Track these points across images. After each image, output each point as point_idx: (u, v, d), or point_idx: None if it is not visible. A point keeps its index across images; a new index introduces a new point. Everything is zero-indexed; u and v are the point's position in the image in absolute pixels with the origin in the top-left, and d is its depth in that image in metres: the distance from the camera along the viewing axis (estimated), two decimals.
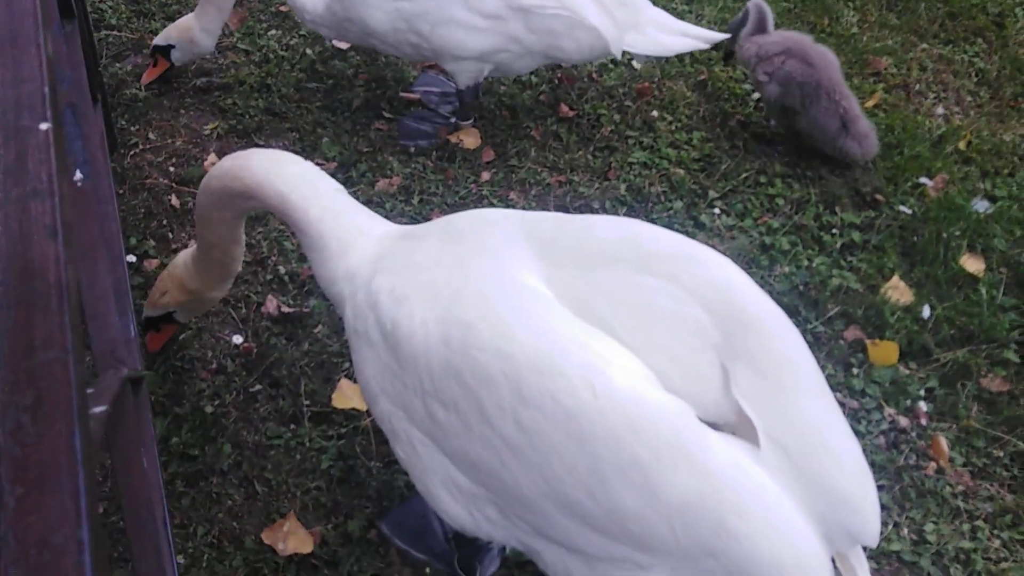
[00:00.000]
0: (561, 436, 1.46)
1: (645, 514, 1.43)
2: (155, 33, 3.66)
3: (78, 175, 1.40)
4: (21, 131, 0.87)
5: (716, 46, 3.28)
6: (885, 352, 2.65)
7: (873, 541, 1.50)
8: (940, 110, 3.55)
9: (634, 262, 1.60)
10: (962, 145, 3.36)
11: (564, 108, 3.47)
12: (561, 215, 1.79)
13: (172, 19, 3.72)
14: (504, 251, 1.68)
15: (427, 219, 2.93)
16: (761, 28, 3.28)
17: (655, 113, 3.47)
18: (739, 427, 1.51)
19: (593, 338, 1.51)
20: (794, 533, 1.43)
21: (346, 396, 2.44)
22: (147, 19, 3.74)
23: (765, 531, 1.41)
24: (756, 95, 3.55)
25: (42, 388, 0.67)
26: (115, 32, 3.65)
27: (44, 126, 0.87)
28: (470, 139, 3.33)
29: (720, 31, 3.18)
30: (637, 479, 1.42)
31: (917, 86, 3.66)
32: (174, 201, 2.99)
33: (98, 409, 1.01)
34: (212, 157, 3.13)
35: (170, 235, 2.90)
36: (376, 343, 1.70)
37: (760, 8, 3.29)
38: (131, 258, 2.78)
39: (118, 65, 3.50)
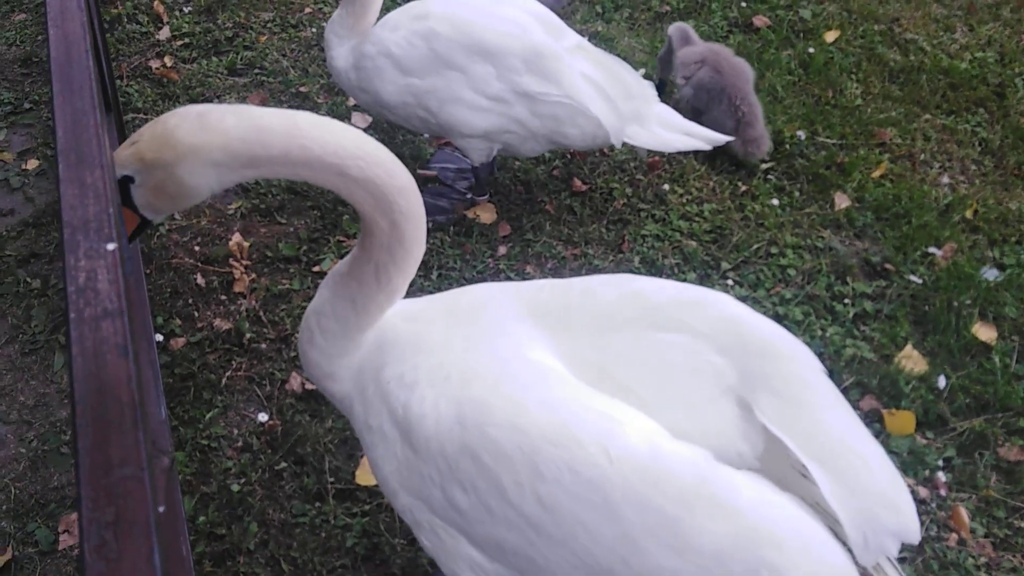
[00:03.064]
0: (583, 507, 1.47)
1: (682, 569, 1.44)
2: None
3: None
4: (90, 252, 0.93)
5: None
6: (902, 422, 2.68)
7: (916, 537, 1.53)
8: (946, 179, 3.62)
9: (640, 319, 1.64)
10: (969, 214, 3.42)
11: (577, 182, 3.56)
12: (559, 282, 1.81)
13: (196, 101, 3.86)
14: (510, 327, 1.70)
15: None
16: (687, 42, 3.69)
17: (666, 186, 3.55)
18: (765, 470, 1.54)
19: (605, 404, 1.52)
20: (831, 555, 1.46)
21: (369, 473, 2.47)
22: (172, 101, 3.87)
23: (803, 559, 1.43)
24: (764, 166, 3.64)
25: (121, 505, 0.72)
26: (141, 115, 3.77)
27: (111, 246, 0.93)
28: (486, 214, 3.41)
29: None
30: (667, 535, 1.43)
31: (922, 156, 3.74)
32: (199, 280, 3.07)
33: (161, 509, 1.06)
34: (236, 236, 3.21)
35: (195, 314, 2.97)
36: (391, 438, 1.69)
37: (680, 29, 3.74)
38: (158, 337, 2.84)
39: None
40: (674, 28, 3.81)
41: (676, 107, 3.41)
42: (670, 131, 3.11)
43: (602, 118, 2.97)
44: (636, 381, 1.59)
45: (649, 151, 3.34)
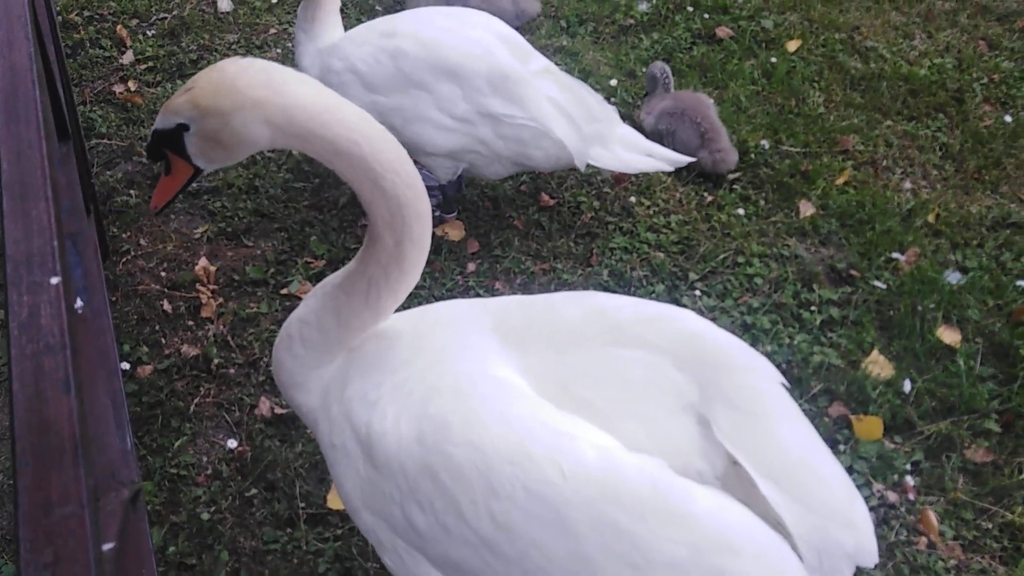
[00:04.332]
0: (536, 525, 1.46)
1: None
2: (145, 140, 3.77)
3: (79, 303, 1.45)
4: (33, 286, 0.92)
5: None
6: (870, 427, 2.70)
7: (872, 559, 1.53)
8: (908, 184, 3.67)
9: (601, 335, 1.65)
10: (931, 218, 3.46)
11: (545, 197, 3.57)
12: (524, 298, 1.82)
13: None
14: (474, 344, 1.71)
15: None
16: (664, 88, 3.89)
17: (633, 199, 3.57)
18: (728, 483, 1.54)
19: (562, 420, 1.52)
20: (787, 563, 1.46)
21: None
22: (136, 126, 3.85)
23: (760, 565, 1.43)
24: (730, 176, 3.67)
25: (60, 545, 0.71)
26: (105, 140, 3.75)
27: (55, 280, 0.93)
28: (455, 231, 3.41)
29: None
30: (623, 549, 1.43)
31: (884, 162, 3.78)
32: (166, 306, 3.05)
33: (107, 547, 1.05)
34: (203, 260, 3.19)
35: (163, 340, 2.95)
36: (354, 455, 1.69)
37: (659, 71, 3.87)
38: (124, 365, 2.82)
39: (109, 173, 3.59)
40: (658, 68, 3.90)
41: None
42: (633, 152, 3.13)
43: (566, 141, 2.98)
44: (597, 397, 1.59)
45: (612, 171, 3.38)
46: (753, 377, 1.60)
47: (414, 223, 1.62)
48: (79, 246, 1.60)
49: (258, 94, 1.48)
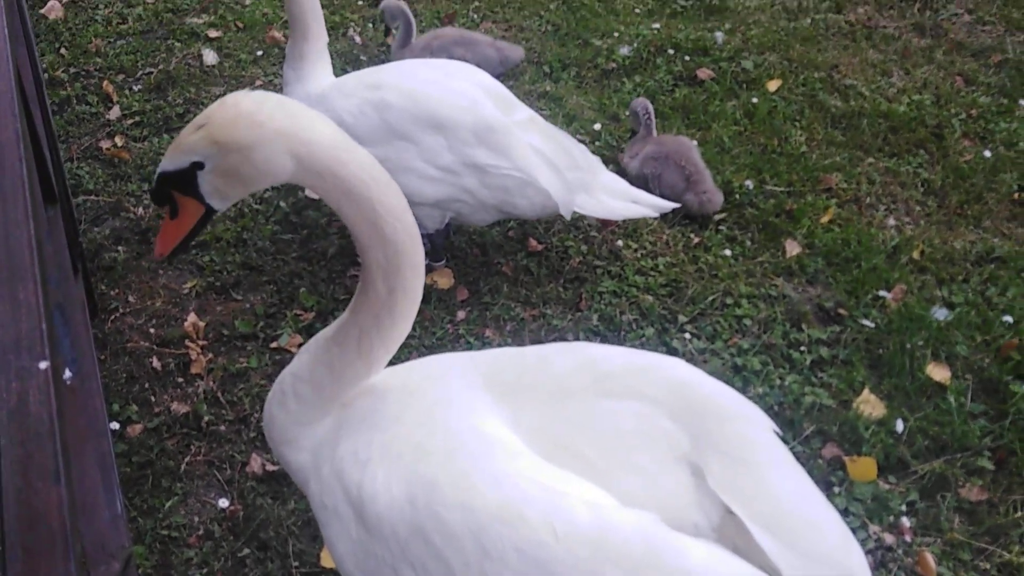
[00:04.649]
0: None
1: None
2: (133, 195, 3.78)
3: (67, 374, 1.45)
4: (22, 372, 0.92)
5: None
6: (863, 468, 2.69)
7: None
8: (892, 221, 3.70)
9: (593, 387, 1.65)
10: (916, 255, 3.49)
11: (533, 242, 3.58)
12: (513, 350, 1.82)
13: (148, 180, 3.85)
14: (464, 399, 1.70)
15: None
16: (645, 126, 3.91)
17: (620, 242, 3.59)
18: (723, 533, 1.53)
19: (554, 476, 1.51)
20: None
21: None
22: (123, 181, 3.86)
23: None
24: (716, 217, 3.70)
25: None
26: (92, 197, 3.75)
27: (43, 365, 0.93)
28: (444, 279, 3.42)
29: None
30: None
31: (868, 199, 3.82)
32: (156, 363, 3.03)
33: None
34: (192, 316, 3.18)
35: (152, 398, 2.93)
36: (345, 517, 1.67)
37: (640, 107, 3.89)
38: (114, 425, 2.79)
39: (96, 230, 3.59)
40: (640, 105, 3.92)
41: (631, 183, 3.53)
42: (617, 199, 3.16)
43: (551, 189, 3.01)
44: (590, 450, 1.59)
45: (597, 218, 3.41)
46: (745, 425, 1.61)
47: (408, 272, 1.63)
48: (67, 314, 1.60)
49: (281, 126, 1.49)
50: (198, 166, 1.51)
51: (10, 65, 1.44)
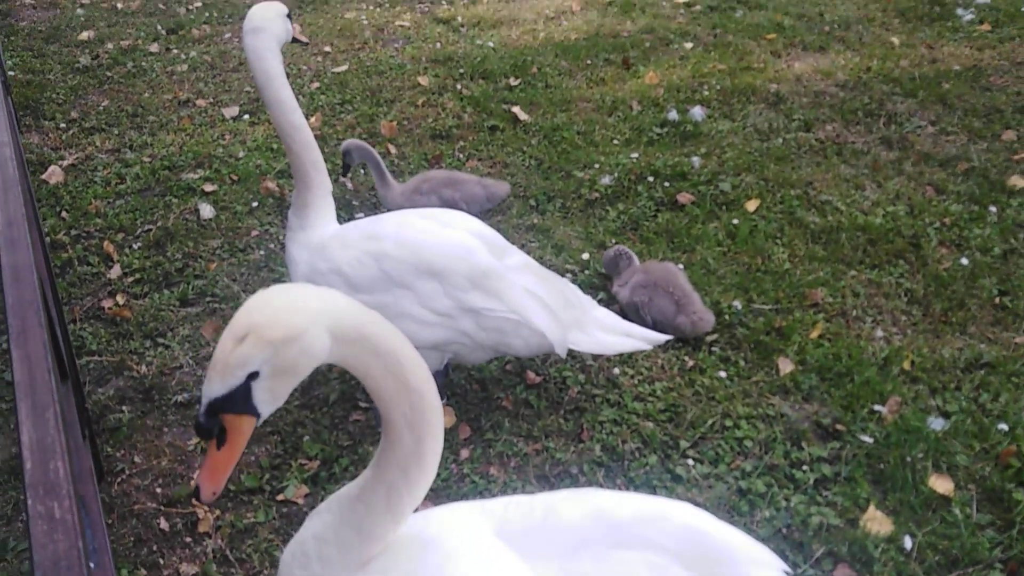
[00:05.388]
0: None
1: None
2: (135, 353, 3.84)
3: (91, 566, 1.47)
4: None
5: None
6: None
7: None
8: (879, 332, 3.79)
9: (605, 538, 1.69)
10: (906, 365, 3.56)
11: (531, 375, 3.65)
12: (523, 500, 1.85)
13: (149, 336, 3.93)
14: (477, 553, 1.73)
15: None
16: (627, 265, 4.05)
17: (616, 370, 3.65)
18: None
19: None
20: None
21: None
22: (126, 340, 3.93)
23: None
24: (708, 339, 3.78)
25: None
26: (96, 357, 3.82)
27: None
28: (446, 418, 3.39)
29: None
30: None
31: (854, 312, 3.92)
32: (163, 524, 3.03)
33: None
34: (198, 473, 3.20)
35: (161, 561, 2.92)
36: None
37: (613, 254, 4.06)
38: None
39: (100, 391, 3.64)
40: (621, 252, 4.07)
41: (621, 312, 3.62)
42: (611, 334, 3.25)
43: (545, 329, 3.10)
44: None
45: (592, 354, 3.51)
46: (759, 570, 1.64)
47: (433, 416, 1.67)
48: (87, 503, 1.64)
49: (319, 305, 1.55)
50: (253, 377, 1.50)
51: (37, 299, 1.50)
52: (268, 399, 1.55)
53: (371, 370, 1.62)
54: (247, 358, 1.48)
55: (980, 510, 2.95)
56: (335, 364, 1.61)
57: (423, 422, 1.66)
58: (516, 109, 5.90)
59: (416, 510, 1.81)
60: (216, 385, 1.50)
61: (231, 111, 6.18)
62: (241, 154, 5.49)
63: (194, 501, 3.10)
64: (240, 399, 1.51)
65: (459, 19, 7.89)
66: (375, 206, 4.85)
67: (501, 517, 1.81)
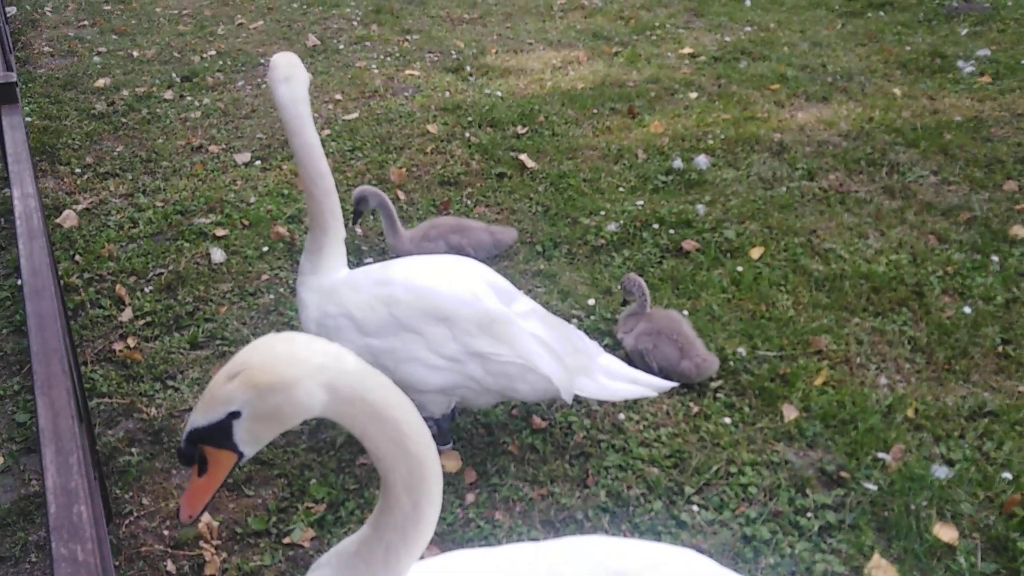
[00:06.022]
0: None
1: None
2: (145, 395, 3.89)
3: None
4: None
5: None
6: None
7: None
8: (883, 380, 3.82)
9: None
10: (910, 412, 3.58)
11: (537, 420, 3.67)
12: (528, 550, 1.87)
13: (160, 379, 3.97)
14: None
15: None
16: (641, 306, 4.07)
17: (622, 415, 3.68)
18: None
19: None
20: None
21: None
22: (136, 382, 3.97)
23: None
24: (713, 385, 3.81)
25: None
26: (106, 399, 3.86)
27: None
28: (451, 462, 3.48)
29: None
30: None
31: (858, 359, 3.95)
32: (170, 567, 3.05)
33: None
34: (205, 515, 3.23)
35: None
36: None
37: (629, 283, 4.09)
38: None
39: (110, 432, 3.67)
40: (633, 283, 4.10)
41: (626, 358, 3.66)
42: (617, 381, 3.29)
43: (551, 375, 3.14)
44: None
45: (598, 400, 3.55)
46: None
47: (432, 482, 1.68)
48: (102, 547, 1.67)
49: (320, 361, 1.53)
50: (234, 415, 1.52)
51: (62, 347, 1.55)
52: (249, 440, 1.56)
53: (369, 432, 1.62)
54: (231, 397, 1.50)
55: (985, 559, 2.95)
56: (331, 420, 1.61)
57: (422, 488, 1.66)
58: (523, 157, 6.00)
59: (421, 557, 1.83)
60: (199, 416, 1.54)
61: (243, 157, 6.29)
62: (252, 199, 5.58)
63: (200, 543, 3.12)
64: (219, 434, 1.53)
65: (468, 68, 8.04)
66: (383, 252, 4.92)
67: (508, 567, 1.83)
